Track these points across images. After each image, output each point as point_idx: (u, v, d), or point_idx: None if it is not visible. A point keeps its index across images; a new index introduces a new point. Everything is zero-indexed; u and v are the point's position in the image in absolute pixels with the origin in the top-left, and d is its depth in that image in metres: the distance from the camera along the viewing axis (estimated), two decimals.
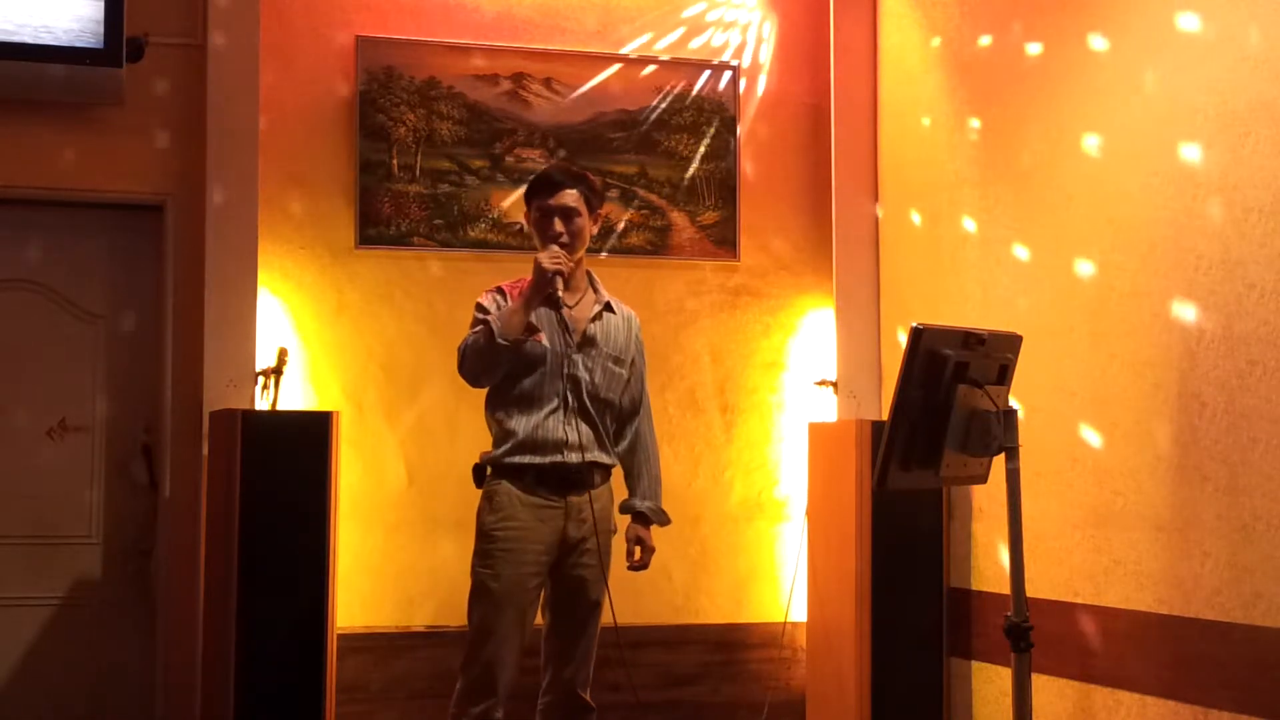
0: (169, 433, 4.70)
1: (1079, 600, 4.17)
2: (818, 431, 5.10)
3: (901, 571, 4.73)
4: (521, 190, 4.12)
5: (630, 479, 4.02)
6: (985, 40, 4.73)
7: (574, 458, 3.80)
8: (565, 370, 3.83)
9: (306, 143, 4.94)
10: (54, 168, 4.65)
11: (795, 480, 5.28)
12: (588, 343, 3.88)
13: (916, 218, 5.09)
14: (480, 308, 3.89)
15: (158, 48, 4.69)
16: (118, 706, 4.69)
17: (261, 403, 4.64)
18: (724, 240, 5.31)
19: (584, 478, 3.83)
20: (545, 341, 3.81)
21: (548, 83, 5.17)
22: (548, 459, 3.79)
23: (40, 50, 4.45)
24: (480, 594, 3.78)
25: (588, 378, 3.85)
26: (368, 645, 4.82)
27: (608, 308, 3.96)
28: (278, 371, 4.64)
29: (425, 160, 5.02)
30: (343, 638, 4.56)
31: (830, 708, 4.88)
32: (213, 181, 4.68)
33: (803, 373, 5.35)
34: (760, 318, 5.35)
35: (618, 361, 3.93)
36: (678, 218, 5.28)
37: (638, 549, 3.95)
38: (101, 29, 4.47)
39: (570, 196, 3.88)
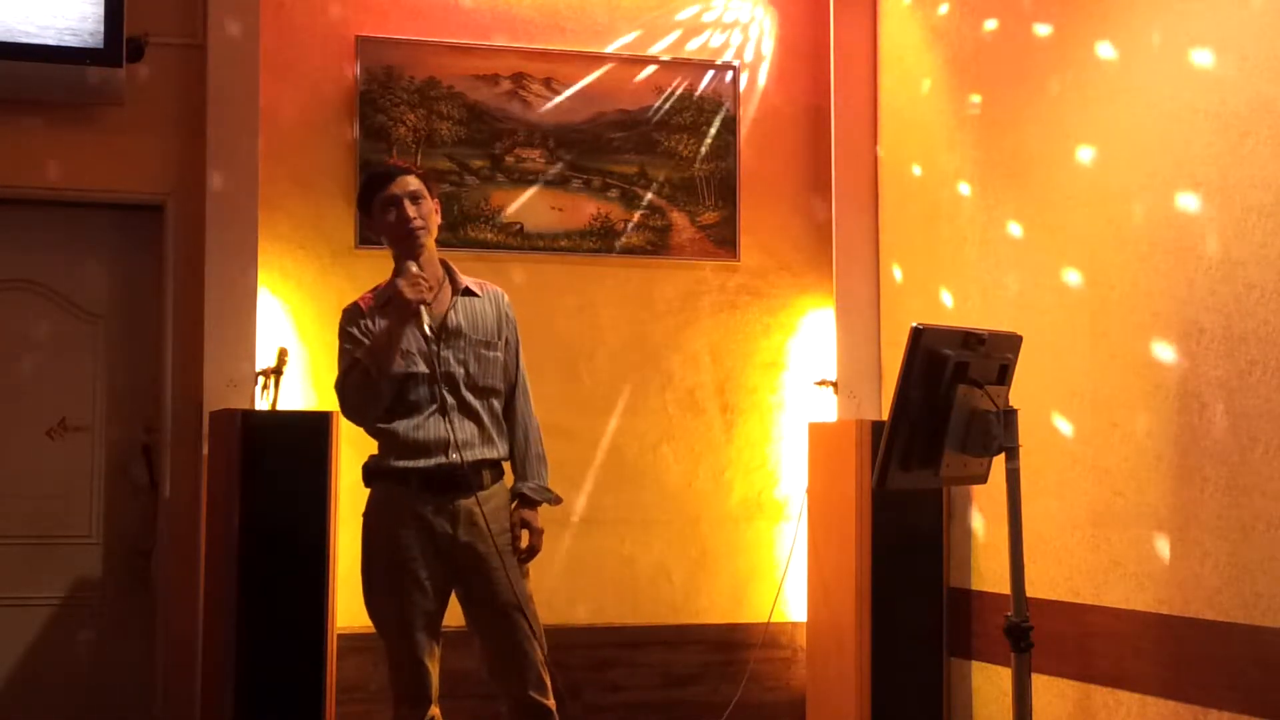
0: (169, 433, 4.70)
1: (1079, 600, 4.17)
2: (818, 431, 5.10)
3: (901, 571, 4.73)
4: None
5: (514, 463, 3.87)
6: (985, 40, 4.73)
7: (459, 457, 3.68)
8: (438, 369, 3.71)
9: (306, 143, 4.94)
10: (54, 168, 4.65)
11: (795, 480, 5.28)
12: (453, 334, 3.76)
13: (916, 218, 5.09)
14: (348, 336, 3.77)
15: (158, 48, 4.69)
16: (118, 706, 4.69)
17: (261, 403, 4.64)
18: (724, 240, 5.31)
19: (472, 479, 3.70)
20: (414, 348, 3.71)
21: (548, 83, 5.17)
22: (433, 461, 3.68)
23: (40, 50, 4.45)
24: (381, 611, 3.73)
25: (462, 370, 3.74)
26: (368, 645, 4.79)
27: (467, 292, 3.84)
28: (278, 371, 4.64)
29: (425, 160, 5.02)
30: (343, 638, 4.55)
31: (830, 708, 4.88)
32: (213, 182, 4.68)
33: (803, 373, 5.35)
34: (760, 318, 5.35)
35: (488, 346, 3.80)
36: (678, 218, 5.27)
37: (525, 534, 3.77)
38: (101, 29, 4.47)
39: (413, 182, 3.78)
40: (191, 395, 4.65)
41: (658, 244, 5.25)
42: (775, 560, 5.27)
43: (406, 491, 3.71)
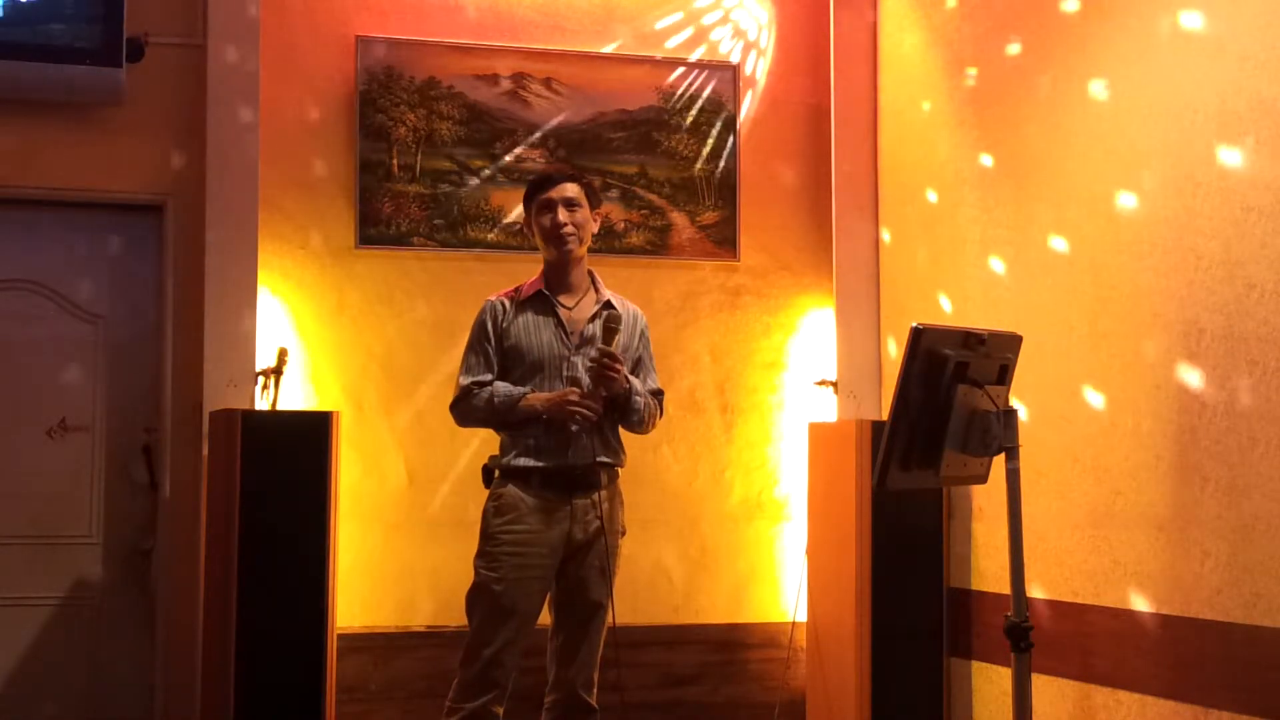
0: (169, 433, 4.70)
1: (1079, 600, 4.17)
2: (818, 431, 5.10)
3: (901, 571, 4.73)
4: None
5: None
6: (985, 40, 4.73)
7: (579, 459, 3.79)
8: (565, 373, 3.83)
9: (306, 143, 4.94)
10: (54, 168, 4.65)
11: (795, 480, 5.28)
12: (586, 343, 3.87)
13: (916, 217, 5.09)
14: (479, 330, 3.89)
15: (158, 48, 4.69)
16: (118, 706, 4.69)
17: (261, 403, 4.64)
18: (724, 240, 5.31)
19: (590, 479, 3.81)
20: (550, 351, 3.84)
21: (548, 83, 5.17)
22: (553, 462, 3.78)
23: (40, 50, 4.44)
24: (483, 595, 3.77)
25: (588, 379, 3.83)
26: (368, 645, 4.82)
27: (608, 305, 3.95)
28: (278, 371, 4.64)
29: (425, 160, 5.02)
30: (343, 638, 4.56)
31: (830, 708, 4.88)
32: (213, 181, 4.68)
33: (803, 373, 5.35)
34: (760, 318, 5.35)
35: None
36: (678, 218, 5.27)
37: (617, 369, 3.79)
38: (101, 29, 4.47)
39: (571, 189, 3.91)
40: (191, 395, 4.65)
41: (658, 244, 5.25)
42: (775, 560, 5.27)
43: (528, 489, 3.79)
